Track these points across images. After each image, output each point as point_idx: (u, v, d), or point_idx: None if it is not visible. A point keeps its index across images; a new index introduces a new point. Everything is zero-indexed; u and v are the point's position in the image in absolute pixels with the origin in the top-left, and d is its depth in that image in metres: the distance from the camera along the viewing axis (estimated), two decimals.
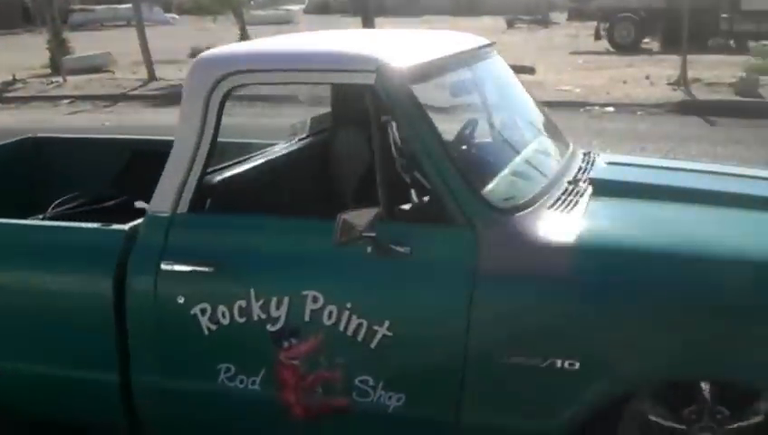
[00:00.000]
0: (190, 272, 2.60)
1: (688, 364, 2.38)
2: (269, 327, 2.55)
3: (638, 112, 10.92)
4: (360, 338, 2.49)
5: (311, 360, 2.55)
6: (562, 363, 2.36)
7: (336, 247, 2.43)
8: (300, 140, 3.63)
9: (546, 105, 3.76)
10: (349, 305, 2.49)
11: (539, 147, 3.18)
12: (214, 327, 2.60)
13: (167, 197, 2.71)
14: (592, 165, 3.16)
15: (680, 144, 8.69)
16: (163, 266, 2.63)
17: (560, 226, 2.56)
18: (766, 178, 3.14)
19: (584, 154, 3.32)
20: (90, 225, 2.83)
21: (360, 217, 2.42)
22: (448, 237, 2.49)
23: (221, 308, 2.58)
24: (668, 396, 2.47)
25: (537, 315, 2.40)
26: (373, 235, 2.43)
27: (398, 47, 2.84)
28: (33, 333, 2.80)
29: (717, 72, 13.03)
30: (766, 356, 2.32)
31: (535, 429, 2.45)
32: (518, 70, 4.11)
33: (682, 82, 12.52)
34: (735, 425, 2.42)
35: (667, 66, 13.84)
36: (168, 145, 4.30)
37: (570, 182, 2.89)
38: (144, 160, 4.20)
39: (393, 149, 2.98)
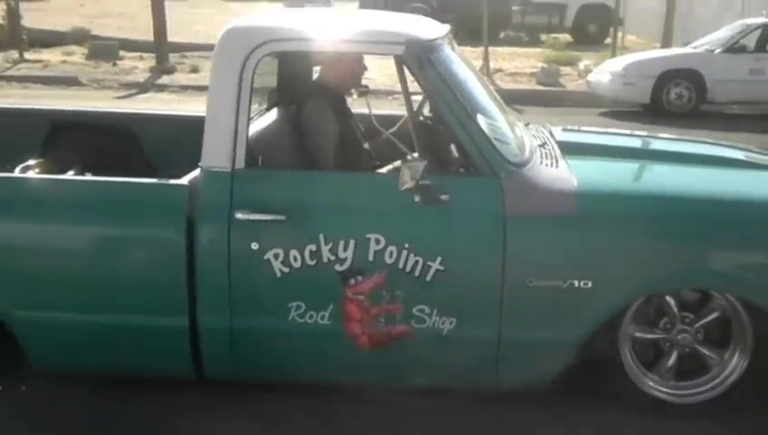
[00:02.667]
0: (265, 221, 2.90)
1: (667, 279, 3.05)
2: (337, 267, 2.92)
3: None
4: (416, 273, 2.93)
5: (375, 294, 2.95)
6: (579, 284, 2.96)
7: (390, 196, 2.88)
8: (266, 110, 3.93)
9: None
10: (406, 246, 2.92)
11: (506, 117, 3.75)
12: (286, 270, 2.91)
13: (220, 154, 2.96)
14: (550, 132, 3.80)
15: None
16: (238, 216, 2.89)
17: (558, 177, 3.15)
18: (687, 140, 3.97)
19: (526, 124, 3.95)
20: (149, 181, 3.00)
21: (416, 169, 2.85)
22: (480, 187, 3.00)
23: (293, 252, 2.90)
24: (645, 315, 3.17)
25: (556, 246, 2.97)
26: (429, 183, 2.87)
27: (413, 25, 3.29)
28: (94, 284, 2.96)
29: (516, 63, 14.30)
30: (716, 267, 3.05)
31: (560, 340, 3.02)
32: None
33: (485, 71, 13.64)
34: (702, 322, 3.17)
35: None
36: (88, 115, 4.41)
37: (540, 145, 3.50)
38: (67, 130, 4.25)
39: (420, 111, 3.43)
